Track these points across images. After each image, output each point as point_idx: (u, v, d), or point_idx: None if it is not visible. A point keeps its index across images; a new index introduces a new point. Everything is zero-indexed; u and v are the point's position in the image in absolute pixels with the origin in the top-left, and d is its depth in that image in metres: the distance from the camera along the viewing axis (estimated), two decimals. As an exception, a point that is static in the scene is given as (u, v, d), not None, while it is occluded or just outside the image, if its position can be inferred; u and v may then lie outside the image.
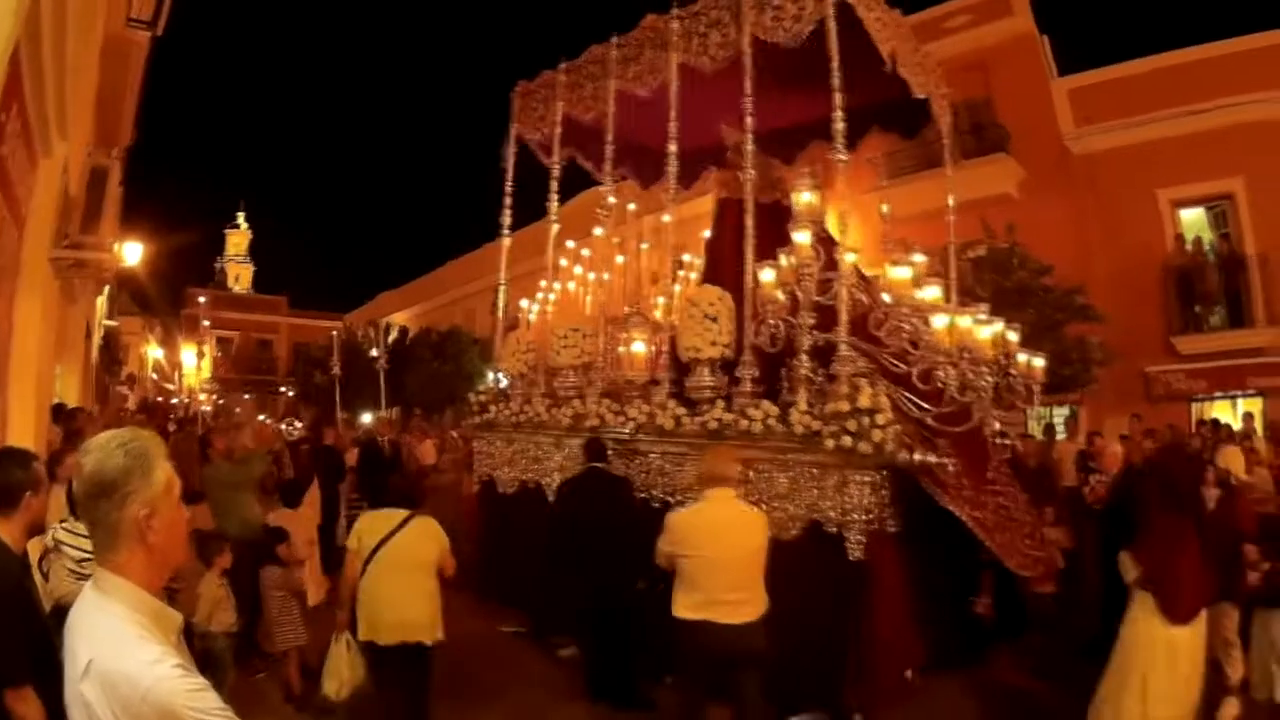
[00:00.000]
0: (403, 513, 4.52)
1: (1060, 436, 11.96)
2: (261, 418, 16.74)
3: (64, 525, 3.76)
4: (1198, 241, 13.65)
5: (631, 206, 8.12)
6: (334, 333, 19.55)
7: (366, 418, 22.87)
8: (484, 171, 8.27)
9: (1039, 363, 6.34)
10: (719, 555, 4.05)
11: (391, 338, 26.97)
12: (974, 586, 6.71)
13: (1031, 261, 12.48)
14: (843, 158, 5.49)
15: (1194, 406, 13.79)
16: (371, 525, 4.54)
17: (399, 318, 32.47)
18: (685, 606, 4.09)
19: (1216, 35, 13.51)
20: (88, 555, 3.38)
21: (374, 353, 18.39)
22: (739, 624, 4.01)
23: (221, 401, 33.08)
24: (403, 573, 4.39)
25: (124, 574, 1.53)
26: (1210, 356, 13.40)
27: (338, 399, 14.25)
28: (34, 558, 3.55)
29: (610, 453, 5.98)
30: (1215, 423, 11.53)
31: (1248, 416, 12.02)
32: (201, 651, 4.47)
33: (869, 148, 7.99)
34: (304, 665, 5.46)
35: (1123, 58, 14.53)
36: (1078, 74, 15.11)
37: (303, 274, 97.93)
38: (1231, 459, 5.73)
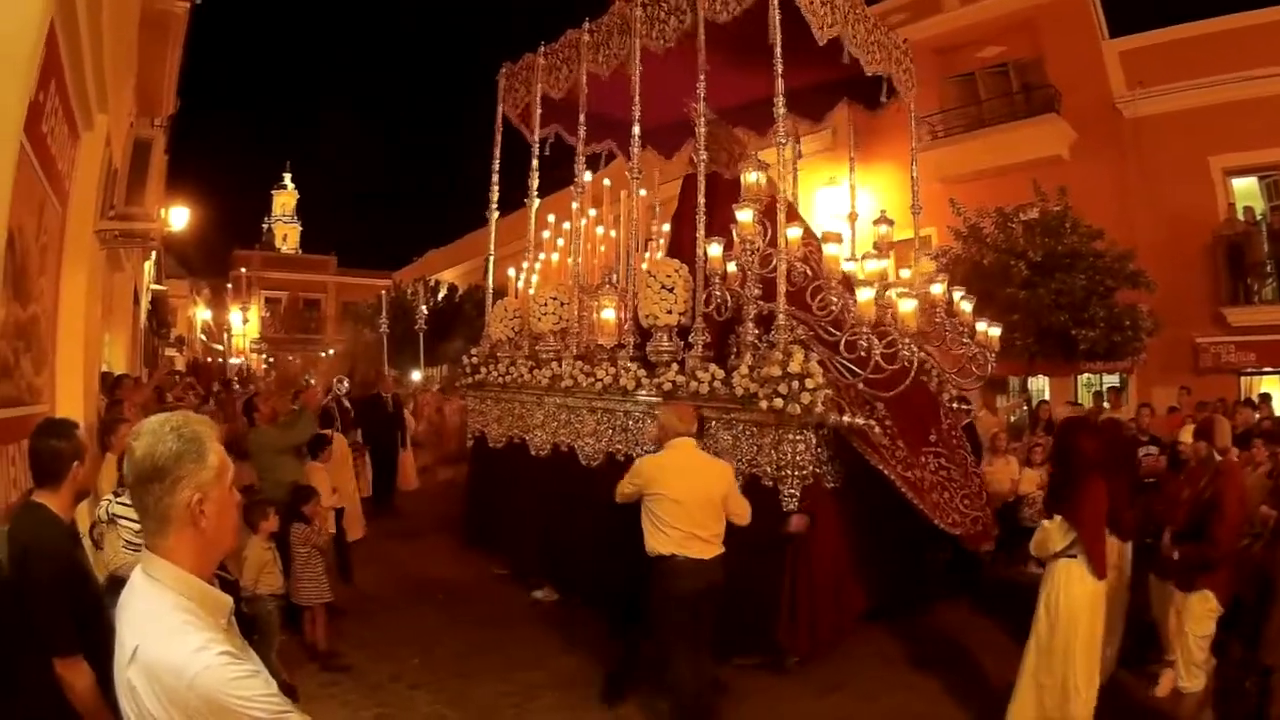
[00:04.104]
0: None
1: (1106, 406, 12.25)
2: (307, 378, 18.20)
3: (120, 500, 3.91)
4: (1250, 211, 13.67)
5: (607, 183, 8.99)
6: (383, 291, 20.41)
7: (416, 375, 24.51)
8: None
9: (995, 332, 6.95)
10: (683, 496, 4.67)
11: (441, 295, 28.11)
12: (923, 540, 7.49)
13: (1082, 226, 12.68)
14: (782, 139, 6.23)
15: (1243, 381, 13.94)
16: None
17: (448, 275, 33.14)
18: (661, 543, 4.76)
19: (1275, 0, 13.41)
20: None
21: (423, 309, 19.26)
22: (707, 559, 4.67)
23: (271, 361, 35.11)
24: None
25: (174, 559, 1.56)
26: (1261, 330, 13.50)
27: (385, 357, 15.39)
28: (83, 526, 3.73)
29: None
30: (1263, 398, 11.60)
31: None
32: (249, 616, 4.89)
33: (920, 105, 8.50)
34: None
35: (1175, 20, 14.52)
36: (1129, 36, 15.14)
37: (351, 233, 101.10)
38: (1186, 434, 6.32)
